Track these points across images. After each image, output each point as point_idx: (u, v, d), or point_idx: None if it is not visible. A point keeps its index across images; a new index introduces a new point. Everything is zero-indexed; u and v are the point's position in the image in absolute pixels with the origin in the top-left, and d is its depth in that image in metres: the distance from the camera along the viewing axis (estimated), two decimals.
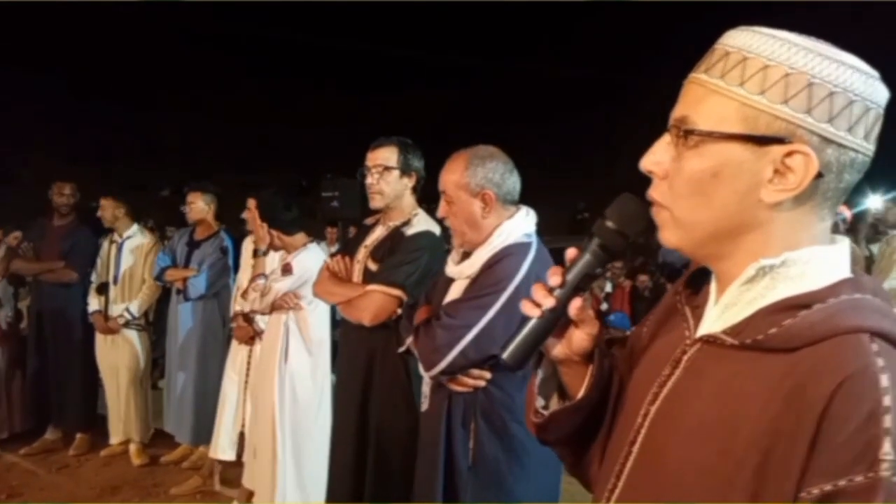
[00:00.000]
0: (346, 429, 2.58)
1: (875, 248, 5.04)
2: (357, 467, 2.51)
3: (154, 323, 4.69)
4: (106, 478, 4.18)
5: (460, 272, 1.98)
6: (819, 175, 0.72)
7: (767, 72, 0.73)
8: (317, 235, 4.22)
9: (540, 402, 1.07)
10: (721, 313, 0.80)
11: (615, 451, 0.88)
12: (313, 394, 3.27)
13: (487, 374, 1.88)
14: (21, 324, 4.96)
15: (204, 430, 4.06)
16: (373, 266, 2.48)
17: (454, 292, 1.97)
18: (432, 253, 2.43)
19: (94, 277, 4.49)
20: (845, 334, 0.69)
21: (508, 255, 1.89)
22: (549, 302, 0.89)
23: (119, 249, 4.47)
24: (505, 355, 0.92)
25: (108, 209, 4.44)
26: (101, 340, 4.48)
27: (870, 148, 0.75)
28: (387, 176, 2.48)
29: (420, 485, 2.04)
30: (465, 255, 2.01)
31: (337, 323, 4.03)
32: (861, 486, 0.62)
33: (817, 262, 0.75)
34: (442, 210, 1.99)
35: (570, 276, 0.90)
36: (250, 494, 3.44)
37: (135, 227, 4.57)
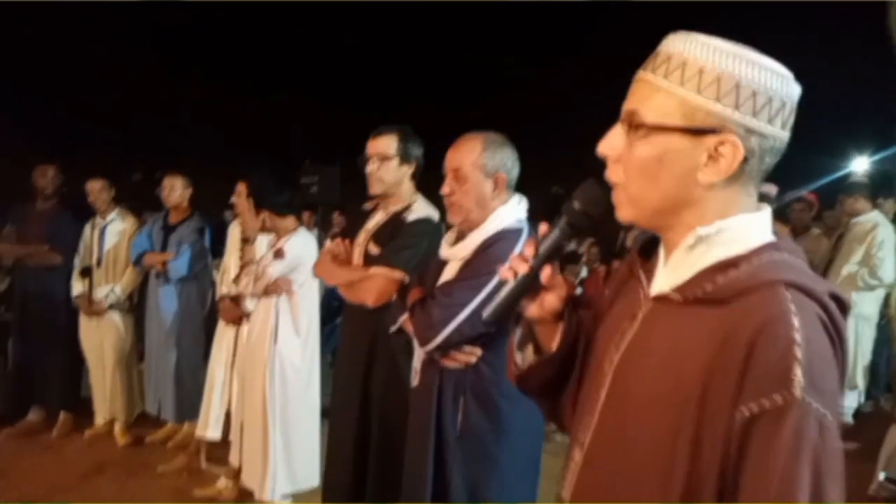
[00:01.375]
0: (348, 406, 2.65)
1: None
2: (360, 444, 2.59)
3: (138, 305, 4.72)
4: (91, 458, 4.22)
5: (454, 254, 2.08)
6: (745, 160, 0.89)
7: (703, 74, 0.88)
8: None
9: (518, 356, 1.24)
10: (669, 275, 0.97)
11: (588, 395, 1.05)
12: (302, 374, 3.36)
13: (479, 351, 1.99)
14: (1, 306, 4.95)
15: (186, 407, 4.15)
16: (374, 250, 2.55)
17: (448, 273, 2.08)
18: (432, 238, 2.51)
19: (76, 261, 4.51)
20: (766, 287, 0.86)
21: (501, 240, 2.00)
22: (523, 268, 1.06)
23: (102, 233, 4.49)
24: (486, 314, 1.10)
25: (103, 191, 4.46)
26: (85, 323, 4.51)
27: (786, 135, 0.92)
28: (386, 164, 2.54)
29: (411, 455, 2.15)
30: (458, 239, 2.12)
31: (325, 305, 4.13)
32: (779, 405, 0.79)
33: (744, 229, 0.92)
34: (448, 187, 2.06)
35: (542, 248, 1.07)
36: (237, 472, 3.54)
37: (116, 211, 4.58)
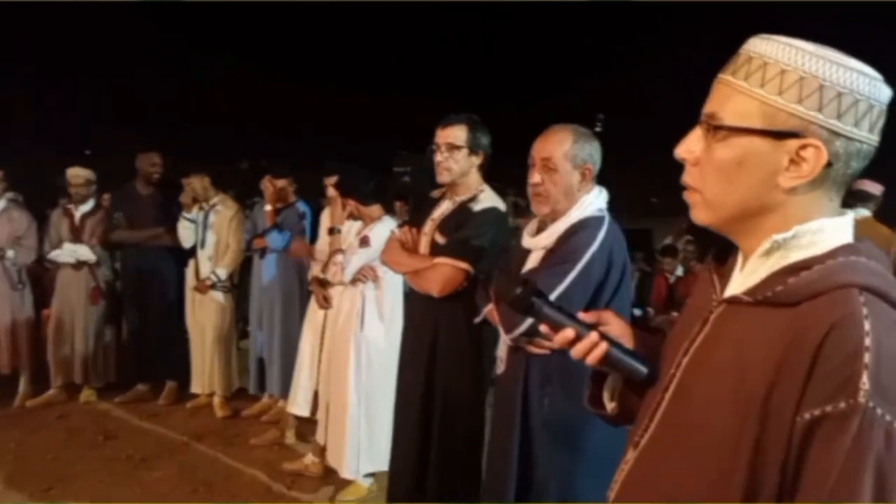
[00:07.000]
0: (412, 395, 2.69)
1: None
2: (423, 433, 2.63)
3: (238, 286, 4.98)
4: (192, 426, 4.51)
5: (536, 243, 2.10)
6: (829, 164, 0.85)
7: (784, 76, 0.85)
8: (388, 209, 4.41)
9: (605, 395, 1.24)
10: (743, 280, 0.94)
11: (650, 399, 1.03)
12: (386, 359, 3.42)
13: None
14: (116, 282, 5.32)
15: (287, 380, 4.31)
16: (440, 239, 2.58)
17: (532, 262, 2.09)
18: (498, 228, 2.55)
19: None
20: (838, 289, 0.82)
21: (584, 228, 2.01)
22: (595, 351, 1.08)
23: (206, 216, 4.76)
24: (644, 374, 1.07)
25: (196, 183, 4.73)
26: (189, 300, 4.81)
27: (874, 139, 0.88)
28: (456, 154, 2.56)
29: (497, 440, 2.18)
30: (540, 229, 2.13)
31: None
32: (843, 411, 0.75)
33: (823, 233, 0.88)
34: (536, 176, 2.08)
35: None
36: (322, 449, 3.67)
37: (219, 197, 4.83)
